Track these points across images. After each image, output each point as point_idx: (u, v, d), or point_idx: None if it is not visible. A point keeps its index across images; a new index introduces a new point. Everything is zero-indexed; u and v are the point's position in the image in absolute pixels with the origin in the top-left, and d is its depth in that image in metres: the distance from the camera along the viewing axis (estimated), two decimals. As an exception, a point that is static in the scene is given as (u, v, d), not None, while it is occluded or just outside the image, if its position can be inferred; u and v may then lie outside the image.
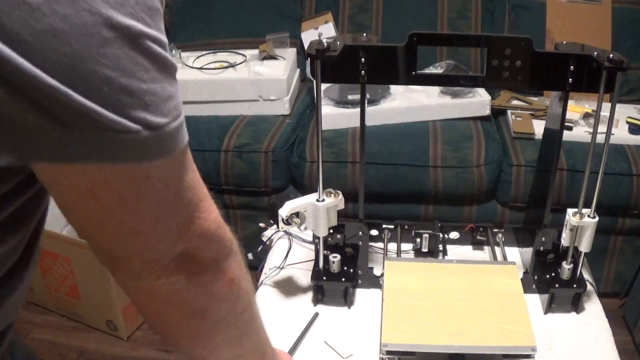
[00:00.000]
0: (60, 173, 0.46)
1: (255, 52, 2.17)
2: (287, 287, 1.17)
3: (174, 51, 2.14)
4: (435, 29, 2.26)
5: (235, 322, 0.64)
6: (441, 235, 1.23)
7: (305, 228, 1.09)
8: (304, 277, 1.18)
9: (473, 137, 1.92)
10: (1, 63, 0.39)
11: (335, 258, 1.11)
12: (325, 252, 1.11)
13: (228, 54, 2.19)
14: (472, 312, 1.01)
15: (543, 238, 1.13)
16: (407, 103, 2.00)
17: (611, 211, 1.85)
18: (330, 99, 2.01)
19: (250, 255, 1.29)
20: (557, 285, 1.08)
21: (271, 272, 1.19)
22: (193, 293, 0.57)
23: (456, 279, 1.09)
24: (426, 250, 1.21)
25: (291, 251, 1.23)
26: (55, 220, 1.41)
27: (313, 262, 1.14)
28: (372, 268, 1.17)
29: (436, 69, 2.12)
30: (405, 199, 1.93)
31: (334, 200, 1.06)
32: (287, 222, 1.06)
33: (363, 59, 1.00)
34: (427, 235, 1.20)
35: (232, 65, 2.11)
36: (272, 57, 2.15)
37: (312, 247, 1.24)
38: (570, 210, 1.04)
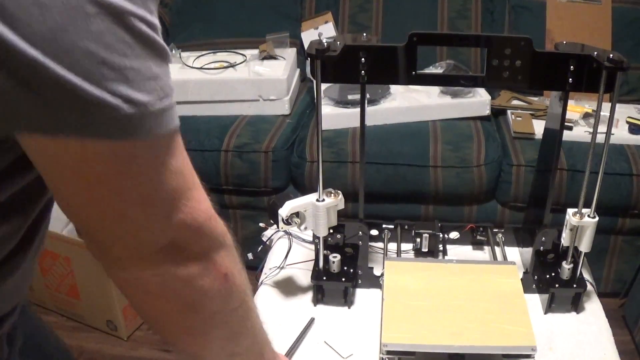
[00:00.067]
0: (42, 146, 0.46)
1: (255, 52, 2.17)
2: (287, 287, 1.17)
3: (174, 51, 2.14)
4: (435, 29, 2.26)
5: (229, 318, 0.63)
6: (441, 235, 1.23)
7: (305, 228, 1.09)
8: (304, 277, 1.18)
9: (473, 137, 1.92)
10: None
11: (335, 258, 1.11)
12: (325, 252, 1.11)
13: (228, 54, 2.19)
14: (472, 312, 1.01)
15: (543, 238, 1.13)
16: (407, 103, 2.00)
17: (611, 211, 1.85)
18: (330, 99, 2.01)
19: (250, 255, 1.29)
20: (557, 285, 1.08)
21: (271, 272, 1.19)
22: (182, 286, 0.56)
23: (456, 279, 1.09)
24: (426, 250, 1.21)
25: (291, 251, 1.23)
26: (55, 221, 1.41)
27: (313, 262, 1.14)
28: (372, 268, 1.17)
29: (436, 69, 2.12)
30: (405, 199, 1.93)
31: (334, 200, 1.06)
32: (287, 222, 1.06)
33: (363, 59, 1.00)
34: (427, 235, 1.20)
35: (232, 65, 2.11)
36: (272, 57, 2.15)
37: (312, 247, 1.24)
38: (570, 210, 1.04)
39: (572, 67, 0.97)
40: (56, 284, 1.90)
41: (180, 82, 2.00)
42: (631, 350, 1.80)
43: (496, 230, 1.26)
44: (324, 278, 1.11)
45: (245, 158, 1.93)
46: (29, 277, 0.67)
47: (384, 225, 1.26)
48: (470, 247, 1.27)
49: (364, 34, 1.04)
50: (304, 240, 1.27)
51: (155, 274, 0.55)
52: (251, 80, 2.04)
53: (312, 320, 1.08)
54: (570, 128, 1.91)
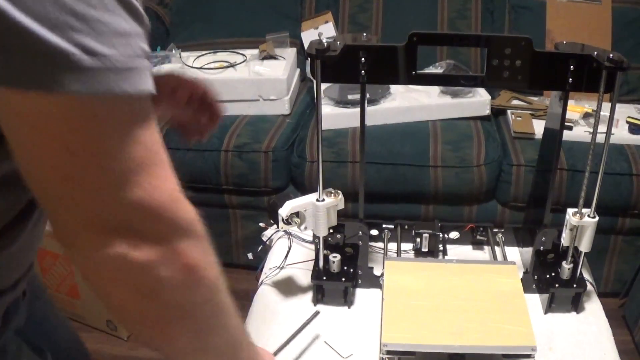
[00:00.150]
0: (3, 98, 0.45)
1: (255, 52, 2.17)
2: (287, 287, 1.17)
3: (174, 51, 2.14)
4: (435, 28, 2.26)
5: (195, 313, 0.58)
6: (441, 235, 1.23)
7: (305, 228, 1.09)
8: (304, 277, 1.18)
9: (473, 137, 1.92)
10: None
11: (335, 258, 1.11)
12: (325, 252, 1.11)
13: (228, 54, 2.19)
14: (472, 312, 1.01)
15: (543, 238, 1.13)
16: (407, 103, 2.01)
17: (611, 211, 1.85)
18: (330, 98, 2.01)
19: (250, 255, 1.29)
20: (557, 285, 1.08)
21: (271, 272, 1.19)
22: (138, 273, 0.52)
23: (456, 279, 1.09)
24: (426, 250, 1.21)
25: (291, 251, 1.23)
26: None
27: (313, 262, 1.14)
28: (372, 268, 1.17)
29: (436, 69, 2.12)
30: (405, 198, 1.93)
31: (334, 200, 1.06)
32: (287, 222, 1.06)
33: (363, 59, 1.00)
34: (427, 235, 1.20)
35: (232, 65, 2.11)
36: (272, 57, 2.15)
37: (312, 247, 1.24)
38: (570, 210, 1.04)
39: (572, 67, 0.97)
40: (56, 284, 1.90)
41: (180, 82, 2.00)
42: (631, 350, 1.80)
43: (496, 230, 1.26)
44: (324, 278, 1.11)
45: (245, 158, 1.93)
46: (29, 253, 0.65)
47: (384, 225, 1.26)
48: (470, 247, 1.27)
49: (364, 34, 1.04)
50: (304, 240, 1.27)
51: (109, 256, 0.51)
52: (251, 80, 2.04)
53: (316, 313, 1.07)
54: (570, 128, 1.91)
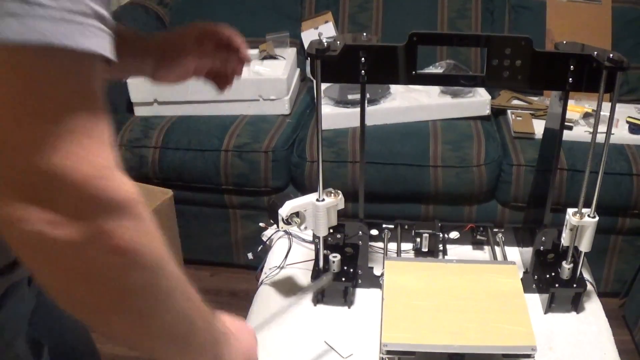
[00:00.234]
0: None
1: (255, 51, 2.17)
2: (287, 287, 1.17)
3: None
4: (435, 28, 2.26)
5: (130, 296, 0.54)
6: (441, 235, 1.23)
7: (305, 228, 1.09)
8: (304, 277, 1.18)
9: (473, 137, 1.92)
10: None
11: (335, 258, 1.11)
12: (325, 251, 1.11)
13: (228, 54, 2.19)
14: (472, 312, 1.01)
15: (543, 238, 1.13)
16: (407, 103, 2.01)
17: (611, 211, 1.85)
18: (330, 98, 2.01)
19: (250, 255, 1.29)
20: (557, 285, 1.08)
21: (271, 272, 1.19)
22: (62, 252, 0.48)
23: (456, 279, 1.09)
24: (426, 250, 1.21)
25: (291, 251, 1.23)
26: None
27: (313, 262, 1.14)
28: (372, 268, 1.17)
29: (436, 69, 2.12)
30: (405, 198, 1.93)
31: (334, 200, 1.06)
32: (287, 221, 1.06)
33: (363, 59, 1.00)
34: (427, 235, 1.20)
35: (232, 65, 2.11)
36: (272, 57, 2.15)
37: (312, 247, 1.24)
38: (570, 210, 1.04)
39: (572, 67, 0.97)
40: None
41: (180, 82, 2.00)
42: (631, 350, 1.80)
43: (496, 230, 1.26)
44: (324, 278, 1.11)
45: (245, 158, 1.93)
46: None
47: (384, 225, 1.26)
48: (470, 247, 1.27)
49: (364, 34, 1.04)
50: (304, 240, 1.27)
51: (27, 230, 0.46)
52: (251, 80, 2.04)
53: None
54: (570, 128, 1.92)
